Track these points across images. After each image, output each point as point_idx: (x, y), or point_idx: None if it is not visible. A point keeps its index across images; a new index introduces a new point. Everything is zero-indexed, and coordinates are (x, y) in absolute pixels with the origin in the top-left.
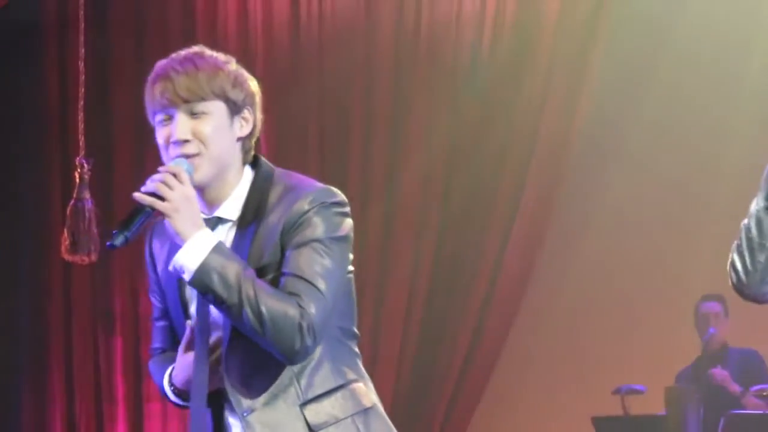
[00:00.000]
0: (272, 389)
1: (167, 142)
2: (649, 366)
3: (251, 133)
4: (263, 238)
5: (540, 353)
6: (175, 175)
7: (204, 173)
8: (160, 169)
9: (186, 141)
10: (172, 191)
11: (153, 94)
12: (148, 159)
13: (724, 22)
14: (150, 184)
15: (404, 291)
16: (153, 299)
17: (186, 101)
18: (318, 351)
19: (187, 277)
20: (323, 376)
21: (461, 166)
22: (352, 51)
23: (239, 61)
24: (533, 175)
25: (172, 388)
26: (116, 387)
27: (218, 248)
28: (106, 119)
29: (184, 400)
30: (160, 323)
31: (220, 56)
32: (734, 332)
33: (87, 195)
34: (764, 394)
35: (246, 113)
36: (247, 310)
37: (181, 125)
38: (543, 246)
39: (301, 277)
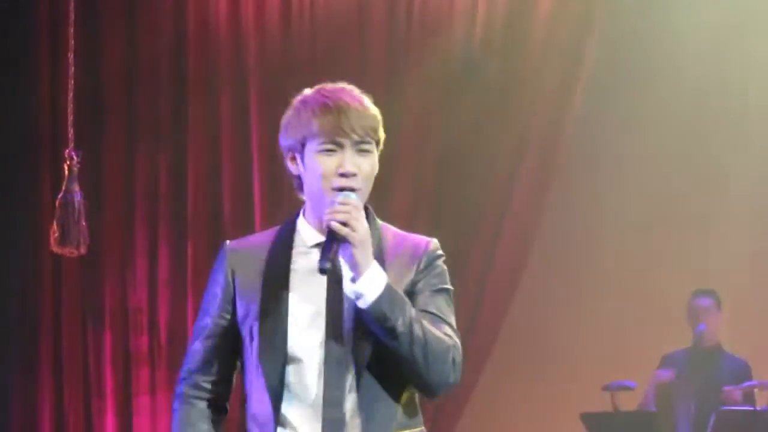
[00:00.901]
0: (379, 408)
1: (333, 173)
2: (639, 362)
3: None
4: (392, 278)
5: (530, 349)
6: (357, 208)
7: (363, 222)
8: (341, 200)
9: (354, 175)
10: (358, 223)
11: (325, 121)
12: (138, 151)
13: (717, 22)
14: (342, 215)
15: None
16: (207, 319)
17: (359, 137)
18: (414, 392)
19: (364, 304)
20: (416, 410)
21: (453, 163)
22: (344, 48)
23: (231, 51)
24: (525, 172)
25: None
26: (105, 381)
27: (390, 286)
28: (95, 111)
29: None
30: (207, 343)
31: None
32: (727, 328)
33: (76, 187)
34: (754, 389)
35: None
36: (415, 342)
37: (352, 159)
38: (534, 243)
39: (442, 319)
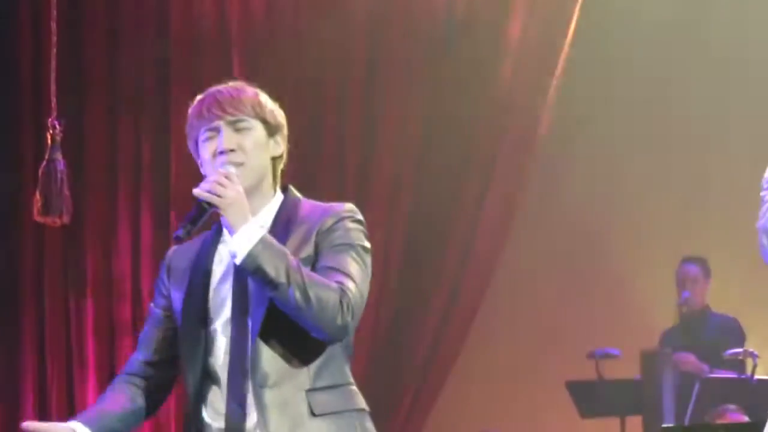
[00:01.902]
0: (285, 372)
1: (214, 154)
2: (624, 330)
3: (281, 157)
4: (297, 240)
5: (514, 317)
6: (227, 177)
7: (246, 181)
8: (214, 172)
9: (232, 150)
10: (225, 189)
11: (200, 112)
12: (121, 121)
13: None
14: (206, 184)
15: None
16: (154, 308)
17: (231, 117)
18: (327, 348)
19: (239, 260)
20: (330, 371)
21: (436, 135)
22: (327, 18)
23: (214, 21)
24: (509, 142)
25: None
26: (87, 350)
27: (266, 236)
28: (78, 80)
29: None
30: (153, 331)
31: (258, 91)
32: (715, 295)
33: (59, 156)
34: (739, 358)
35: (278, 138)
36: (294, 288)
37: (228, 137)
38: (518, 212)
39: (339, 270)
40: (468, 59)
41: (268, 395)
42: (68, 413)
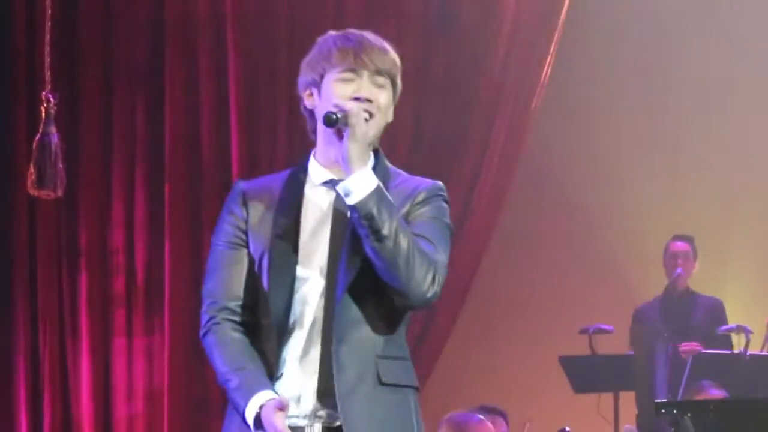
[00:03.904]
0: (362, 333)
1: (347, 97)
2: (616, 306)
3: (386, 126)
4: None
5: (507, 292)
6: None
7: (371, 134)
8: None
9: (369, 101)
10: (362, 122)
11: (345, 51)
12: (115, 93)
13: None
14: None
15: None
16: (228, 245)
17: (376, 70)
18: (399, 318)
19: (352, 200)
20: (398, 342)
21: (428, 125)
22: (320, 4)
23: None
24: (503, 115)
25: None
26: (81, 322)
27: (381, 187)
28: (72, 54)
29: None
30: (225, 272)
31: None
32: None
33: (53, 130)
34: (732, 333)
35: (392, 107)
36: (398, 245)
37: (368, 87)
38: (513, 187)
39: (430, 241)
40: (463, 39)
41: (345, 352)
42: (61, 384)
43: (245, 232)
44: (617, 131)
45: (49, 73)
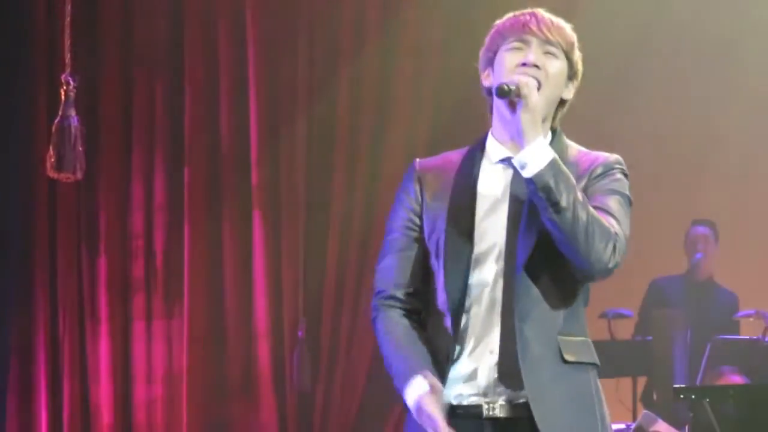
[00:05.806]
0: (542, 310)
1: (515, 64)
2: (636, 291)
3: (566, 103)
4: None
5: None
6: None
7: (542, 105)
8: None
9: (536, 67)
10: (537, 93)
11: (515, 24)
12: (135, 77)
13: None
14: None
15: None
16: (395, 233)
17: (545, 38)
18: (578, 295)
19: (529, 173)
20: (578, 320)
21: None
22: None
23: None
24: None
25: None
26: (100, 306)
27: (557, 158)
28: (93, 36)
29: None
30: (398, 256)
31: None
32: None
33: (73, 112)
34: (750, 319)
35: (573, 85)
36: (577, 216)
37: (536, 54)
38: None
39: (609, 213)
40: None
41: (528, 330)
42: (80, 368)
43: (419, 215)
44: (637, 115)
45: (69, 55)
